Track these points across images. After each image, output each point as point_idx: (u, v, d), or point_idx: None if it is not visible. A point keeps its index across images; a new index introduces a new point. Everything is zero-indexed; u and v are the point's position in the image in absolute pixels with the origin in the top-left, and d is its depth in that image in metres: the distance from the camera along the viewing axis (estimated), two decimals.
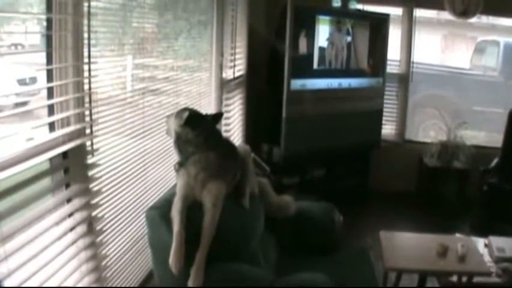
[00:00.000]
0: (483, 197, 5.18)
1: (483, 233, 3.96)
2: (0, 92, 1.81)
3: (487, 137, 6.48)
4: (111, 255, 2.49)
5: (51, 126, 2.04)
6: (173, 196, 2.34)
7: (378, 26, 5.50)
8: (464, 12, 5.49)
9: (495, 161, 5.35)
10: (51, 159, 2.01)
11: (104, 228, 2.39)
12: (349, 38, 5.26)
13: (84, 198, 2.20)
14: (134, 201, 2.74)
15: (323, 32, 5.01)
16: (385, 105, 5.86)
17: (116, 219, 2.53)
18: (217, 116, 2.64)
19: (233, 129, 4.70)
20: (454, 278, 3.38)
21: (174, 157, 2.53)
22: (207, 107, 3.87)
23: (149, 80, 2.92)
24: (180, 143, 2.41)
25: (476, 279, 3.31)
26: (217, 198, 2.33)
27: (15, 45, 2.38)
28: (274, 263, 2.85)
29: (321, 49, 5.01)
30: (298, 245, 3.05)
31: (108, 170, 2.42)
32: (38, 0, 2.12)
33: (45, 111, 2.05)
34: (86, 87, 2.16)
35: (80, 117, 2.15)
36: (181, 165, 2.40)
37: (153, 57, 3.02)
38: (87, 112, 2.20)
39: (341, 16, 5.23)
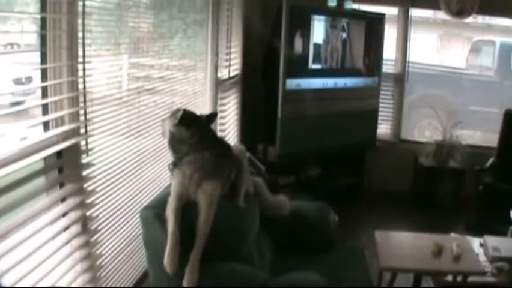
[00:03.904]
0: (478, 196, 5.19)
1: (478, 233, 3.96)
2: None
3: (482, 136, 6.47)
4: (105, 255, 2.48)
5: (46, 126, 2.04)
6: (167, 196, 2.34)
7: (373, 25, 5.50)
8: (459, 12, 5.48)
9: (490, 160, 5.36)
10: (45, 159, 2.01)
11: (99, 228, 2.39)
12: (345, 38, 5.26)
13: (78, 197, 2.20)
14: (129, 200, 2.73)
15: (319, 32, 5.01)
16: (381, 105, 5.87)
17: (110, 218, 2.53)
18: (212, 116, 2.63)
19: (228, 128, 4.70)
20: (449, 278, 3.39)
21: (169, 157, 2.52)
22: (202, 107, 3.87)
23: (144, 80, 2.92)
24: (174, 142, 2.40)
25: (471, 279, 3.32)
26: (212, 197, 2.33)
27: (11, 44, 2.37)
28: (269, 263, 2.85)
29: (317, 49, 5.01)
30: (294, 244, 3.04)
31: (103, 169, 2.42)
32: None
33: (40, 110, 2.04)
34: (80, 86, 2.16)
35: (74, 117, 2.15)
36: (175, 165, 2.40)
37: (149, 57, 3.02)
38: (81, 111, 2.21)
39: (337, 16, 5.23)
